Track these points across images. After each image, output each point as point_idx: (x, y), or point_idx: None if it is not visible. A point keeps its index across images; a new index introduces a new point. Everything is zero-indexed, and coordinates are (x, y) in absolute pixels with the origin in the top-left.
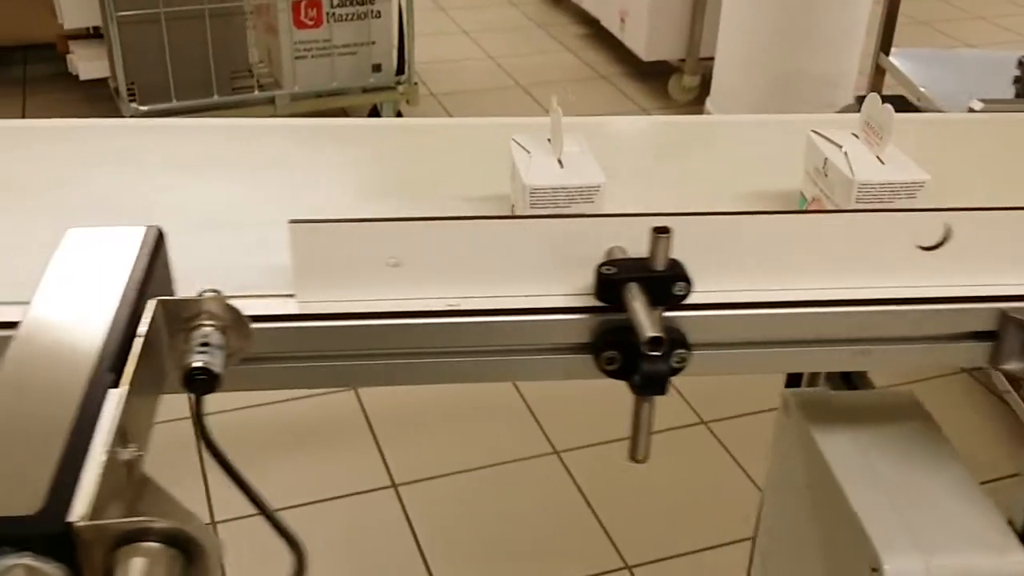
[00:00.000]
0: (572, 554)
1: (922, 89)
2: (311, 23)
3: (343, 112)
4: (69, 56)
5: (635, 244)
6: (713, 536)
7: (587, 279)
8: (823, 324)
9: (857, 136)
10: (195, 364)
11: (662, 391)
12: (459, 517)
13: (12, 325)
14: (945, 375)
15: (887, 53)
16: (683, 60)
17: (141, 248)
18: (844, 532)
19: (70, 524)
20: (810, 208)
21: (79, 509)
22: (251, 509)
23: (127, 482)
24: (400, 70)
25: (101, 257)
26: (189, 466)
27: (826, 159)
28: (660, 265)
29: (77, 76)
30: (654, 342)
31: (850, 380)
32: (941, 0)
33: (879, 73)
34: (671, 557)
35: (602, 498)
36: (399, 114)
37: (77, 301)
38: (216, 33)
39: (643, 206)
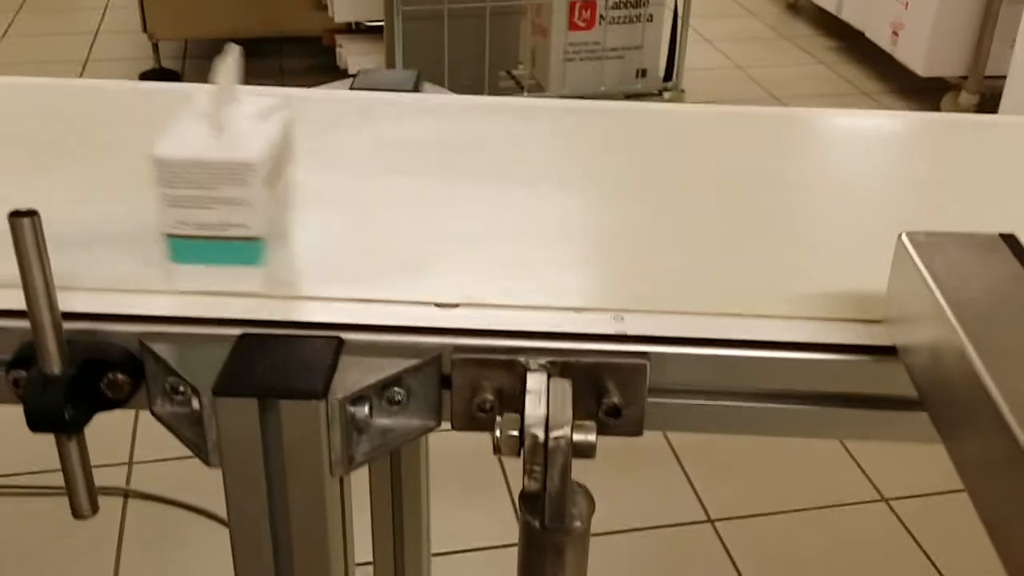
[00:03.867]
0: None
1: None
2: (584, 24)
3: None
4: (339, 49)
5: None
6: None
7: None
8: None
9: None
10: None
11: None
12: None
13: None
14: None
15: None
16: (964, 77)
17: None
18: None
19: None
20: None
21: None
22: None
23: None
24: (668, 75)
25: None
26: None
27: None
28: None
29: (342, 69)
30: None
31: None
32: None
33: None
34: None
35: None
36: None
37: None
38: (494, 31)
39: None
